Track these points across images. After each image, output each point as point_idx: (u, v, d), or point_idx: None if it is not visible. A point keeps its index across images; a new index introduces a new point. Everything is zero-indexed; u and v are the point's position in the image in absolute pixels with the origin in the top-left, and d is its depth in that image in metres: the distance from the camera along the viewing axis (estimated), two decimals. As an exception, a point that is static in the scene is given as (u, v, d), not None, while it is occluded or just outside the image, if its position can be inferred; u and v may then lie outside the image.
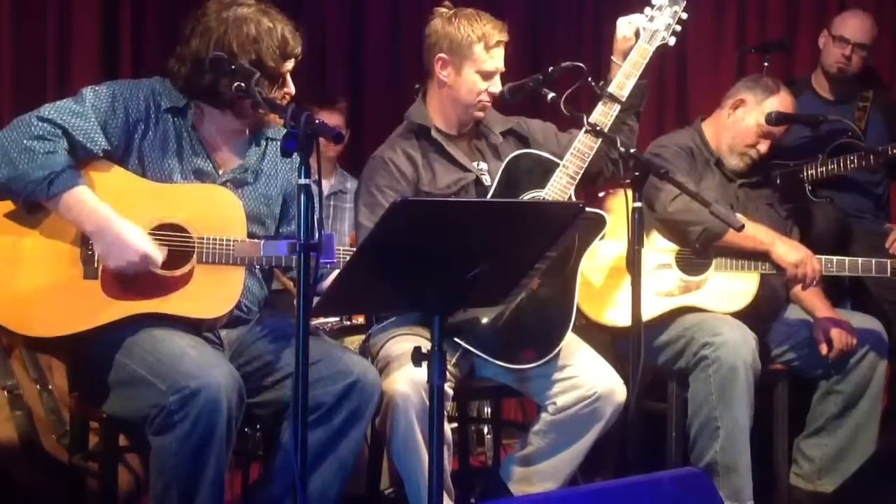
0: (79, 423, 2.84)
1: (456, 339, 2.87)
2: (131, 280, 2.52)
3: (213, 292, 2.59)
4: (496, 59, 3.04)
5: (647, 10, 3.09)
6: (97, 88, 2.61)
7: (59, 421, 3.37)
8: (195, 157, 2.67)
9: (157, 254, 2.51)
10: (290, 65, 2.70)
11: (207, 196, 2.65)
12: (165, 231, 2.57)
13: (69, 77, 4.30)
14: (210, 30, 2.60)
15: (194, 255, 2.56)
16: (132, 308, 2.53)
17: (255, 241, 2.62)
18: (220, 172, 2.71)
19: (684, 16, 3.09)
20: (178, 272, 2.56)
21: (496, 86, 3.05)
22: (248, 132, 2.77)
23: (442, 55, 3.04)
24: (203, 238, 2.57)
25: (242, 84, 2.47)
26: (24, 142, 2.47)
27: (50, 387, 3.41)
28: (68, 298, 2.52)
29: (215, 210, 2.62)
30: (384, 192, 2.98)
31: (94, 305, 2.52)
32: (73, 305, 2.51)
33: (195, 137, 2.68)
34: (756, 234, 3.40)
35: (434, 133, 3.08)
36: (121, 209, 2.53)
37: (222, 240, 2.58)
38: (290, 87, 2.71)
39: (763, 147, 3.58)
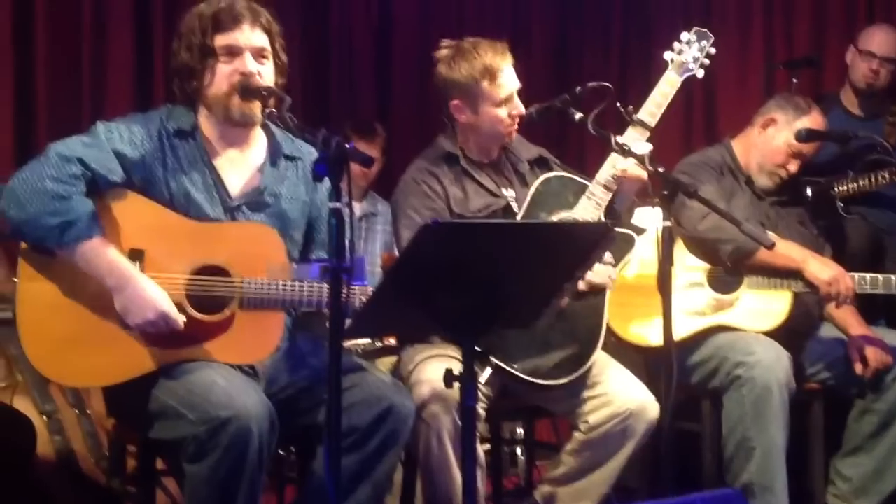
0: (117, 447, 2.86)
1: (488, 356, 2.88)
2: None
3: (253, 338, 2.55)
4: (506, 85, 3.02)
5: (676, 43, 3.12)
6: (108, 123, 2.60)
7: (98, 445, 3.40)
8: (208, 181, 2.63)
9: (178, 314, 2.48)
10: (226, 39, 2.59)
11: (249, 234, 2.62)
12: (206, 274, 2.54)
13: (104, 103, 4.36)
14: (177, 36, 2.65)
15: (235, 300, 2.54)
16: (171, 356, 2.50)
17: (288, 264, 2.61)
18: (234, 195, 2.66)
19: (712, 51, 3.12)
20: (218, 317, 2.53)
21: (518, 107, 3.04)
22: (265, 155, 2.73)
23: (455, 101, 3.04)
24: (244, 281, 2.54)
25: (275, 110, 2.52)
26: (38, 183, 2.42)
27: (88, 411, 3.45)
28: (109, 348, 2.48)
29: (257, 249, 2.57)
30: (420, 211, 2.99)
31: (133, 356, 2.49)
32: (113, 356, 2.49)
33: (206, 160, 2.64)
34: (788, 251, 3.38)
35: (463, 161, 3.09)
36: (162, 251, 2.52)
37: (263, 283, 2.54)
38: (245, 66, 2.58)
39: (793, 167, 3.57)
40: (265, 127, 2.75)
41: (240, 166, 2.70)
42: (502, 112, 3.03)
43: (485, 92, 3.01)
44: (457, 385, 2.21)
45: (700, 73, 3.11)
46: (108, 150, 2.53)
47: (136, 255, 2.51)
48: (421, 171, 3.08)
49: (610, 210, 3.03)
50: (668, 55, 3.11)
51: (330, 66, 5.36)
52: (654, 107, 3.06)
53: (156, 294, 2.46)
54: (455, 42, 3.06)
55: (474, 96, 3.02)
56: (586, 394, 2.96)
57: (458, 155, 3.09)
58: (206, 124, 2.67)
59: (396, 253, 3.13)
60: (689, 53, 3.10)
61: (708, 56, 3.11)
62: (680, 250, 3.41)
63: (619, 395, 2.93)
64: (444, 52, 3.06)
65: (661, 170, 2.83)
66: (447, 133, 3.15)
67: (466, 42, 3.05)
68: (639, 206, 3.17)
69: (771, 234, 3.06)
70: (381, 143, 4.76)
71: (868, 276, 3.41)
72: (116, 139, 2.56)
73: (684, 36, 3.13)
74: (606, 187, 2.99)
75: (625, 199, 3.07)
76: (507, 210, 3.08)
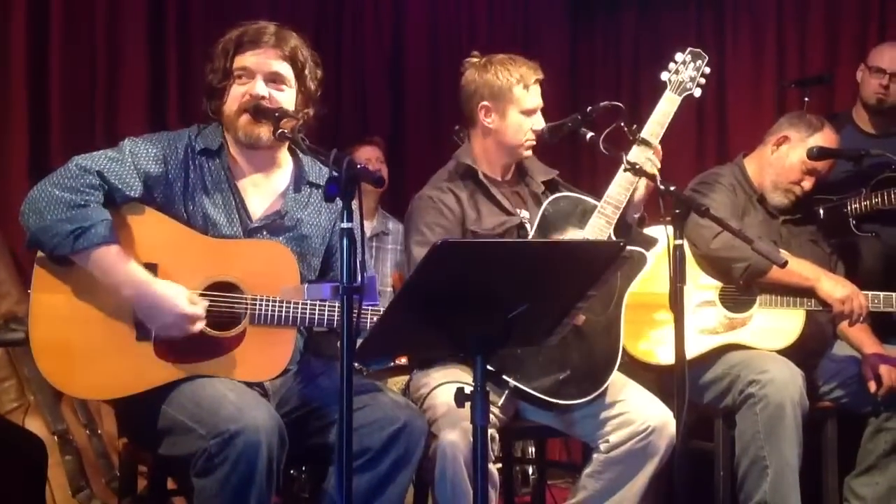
0: (127, 467, 2.85)
1: (503, 377, 2.87)
2: (183, 341, 2.50)
3: (263, 355, 2.57)
4: (535, 97, 3.09)
5: (672, 64, 3.15)
6: (135, 139, 2.62)
7: (108, 465, 3.42)
8: (229, 202, 2.65)
9: (200, 312, 2.48)
10: (243, 60, 2.63)
11: (263, 253, 2.63)
12: (219, 290, 2.56)
13: (116, 125, 4.38)
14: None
15: (246, 316, 2.56)
16: (182, 371, 2.51)
17: (300, 285, 2.62)
18: (255, 218, 2.68)
19: (707, 70, 3.14)
20: (230, 333, 2.55)
21: (539, 122, 3.10)
22: (290, 180, 2.74)
23: (484, 103, 3.08)
24: (256, 298, 2.55)
25: (286, 130, 2.52)
26: (56, 192, 2.45)
27: (99, 431, 3.46)
28: (120, 361, 2.50)
29: (270, 267, 2.59)
30: (433, 228, 3.00)
31: (145, 368, 2.50)
32: (124, 368, 2.50)
33: (229, 180, 2.66)
34: (801, 270, 3.38)
35: (481, 176, 3.11)
36: (175, 266, 2.53)
37: (275, 300, 2.56)
38: (255, 88, 2.61)
39: (808, 184, 3.57)
40: (292, 153, 2.77)
41: (263, 190, 2.72)
42: (527, 122, 3.07)
43: (517, 97, 3.06)
44: (468, 405, 2.21)
45: (697, 93, 3.14)
46: (130, 166, 2.55)
47: (149, 269, 2.52)
48: (437, 188, 3.09)
49: (621, 226, 3.04)
50: (664, 75, 3.14)
51: (342, 88, 5.37)
52: (656, 126, 3.08)
53: (173, 295, 2.47)
54: (488, 55, 3.13)
55: (505, 100, 3.07)
56: (605, 414, 2.94)
57: (476, 169, 3.11)
58: (232, 145, 2.70)
59: (407, 271, 3.13)
60: (685, 73, 3.14)
61: (704, 76, 3.14)
62: (692, 269, 3.41)
63: (638, 412, 2.92)
64: (475, 60, 3.13)
65: (672, 188, 2.83)
66: (464, 148, 3.18)
67: (501, 55, 3.12)
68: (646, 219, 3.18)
69: (783, 253, 3.05)
70: (379, 144, 4.80)
71: (881, 294, 3.40)
72: (142, 156, 2.58)
73: (679, 56, 3.16)
74: (616, 205, 2.99)
75: (635, 211, 3.08)
76: (521, 228, 3.09)
